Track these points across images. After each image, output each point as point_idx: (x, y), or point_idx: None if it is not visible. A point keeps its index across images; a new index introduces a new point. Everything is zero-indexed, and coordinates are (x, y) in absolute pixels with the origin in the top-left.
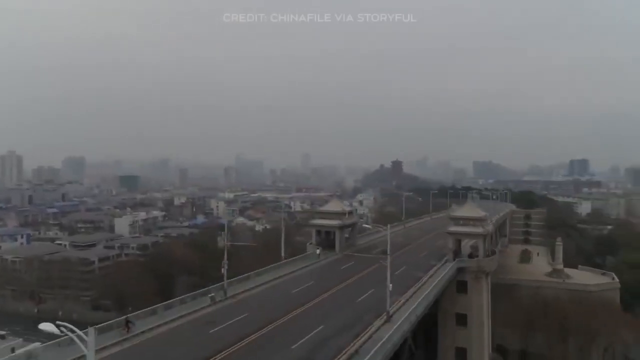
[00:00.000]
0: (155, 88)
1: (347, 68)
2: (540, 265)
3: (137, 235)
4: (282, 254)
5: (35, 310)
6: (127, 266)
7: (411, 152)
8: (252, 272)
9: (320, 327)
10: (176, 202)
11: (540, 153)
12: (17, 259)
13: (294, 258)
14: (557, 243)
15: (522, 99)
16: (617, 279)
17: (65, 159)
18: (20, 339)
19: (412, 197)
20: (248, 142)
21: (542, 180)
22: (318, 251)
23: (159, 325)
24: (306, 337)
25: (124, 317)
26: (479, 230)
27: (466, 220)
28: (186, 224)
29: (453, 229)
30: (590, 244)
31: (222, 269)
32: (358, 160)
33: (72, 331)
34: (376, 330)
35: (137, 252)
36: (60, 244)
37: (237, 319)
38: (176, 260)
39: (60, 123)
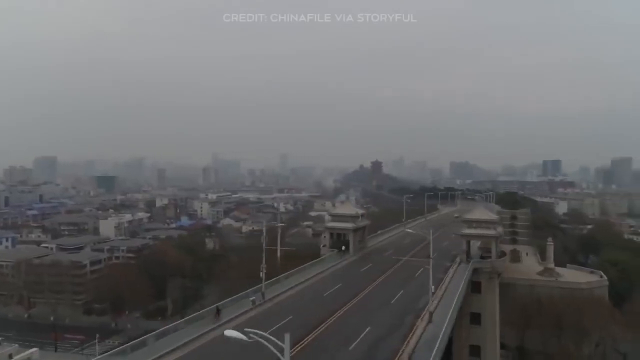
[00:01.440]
0: (131, 87)
1: (326, 69)
2: (530, 265)
3: (124, 237)
4: (278, 255)
5: (26, 315)
6: (120, 269)
7: (387, 152)
8: (281, 276)
9: (368, 329)
10: (158, 203)
11: (514, 153)
12: (4, 263)
13: (316, 260)
14: (549, 243)
15: (494, 100)
16: (605, 277)
17: (36, 158)
18: (16, 345)
19: (403, 199)
20: (224, 141)
21: (517, 181)
22: (344, 248)
23: (213, 329)
24: (359, 339)
25: (215, 305)
26: (492, 232)
27: (479, 223)
28: (173, 225)
29: (467, 231)
30: (573, 243)
31: (261, 273)
32: (335, 161)
33: (264, 337)
34: (423, 332)
35: (128, 254)
36: (46, 247)
37: (285, 321)
38: (168, 263)
39: (30, 122)
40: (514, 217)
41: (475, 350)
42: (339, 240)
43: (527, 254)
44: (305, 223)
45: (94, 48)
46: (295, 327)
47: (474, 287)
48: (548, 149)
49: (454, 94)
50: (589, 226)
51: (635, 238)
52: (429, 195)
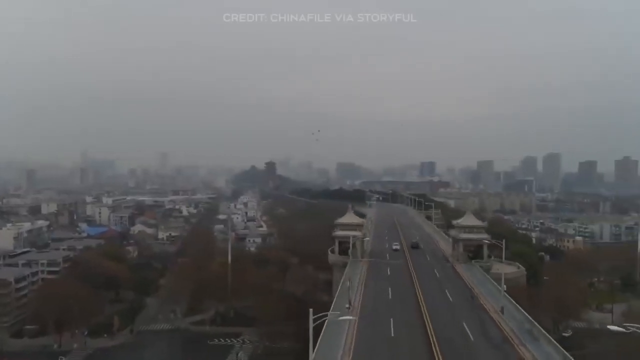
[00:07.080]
0: None
1: (208, 67)
2: None
3: (38, 250)
4: (229, 261)
5: None
6: (53, 284)
7: (271, 153)
8: (341, 284)
9: (463, 322)
10: (44, 209)
11: (393, 155)
12: None
13: (346, 268)
14: None
15: (371, 105)
16: (523, 268)
17: None
18: None
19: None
20: (91, 139)
21: (402, 181)
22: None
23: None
24: (468, 329)
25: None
26: (485, 236)
27: (470, 228)
28: (84, 234)
29: (465, 236)
30: None
31: (347, 282)
32: (218, 160)
33: None
34: (505, 322)
35: (50, 268)
36: None
37: (393, 320)
38: (104, 275)
39: None
40: (429, 218)
41: None
42: (340, 246)
43: None
44: (216, 226)
45: None
46: (409, 326)
47: None
48: (418, 151)
49: (328, 98)
50: (484, 222)
51: (527, 232)
52: (334, 196)
